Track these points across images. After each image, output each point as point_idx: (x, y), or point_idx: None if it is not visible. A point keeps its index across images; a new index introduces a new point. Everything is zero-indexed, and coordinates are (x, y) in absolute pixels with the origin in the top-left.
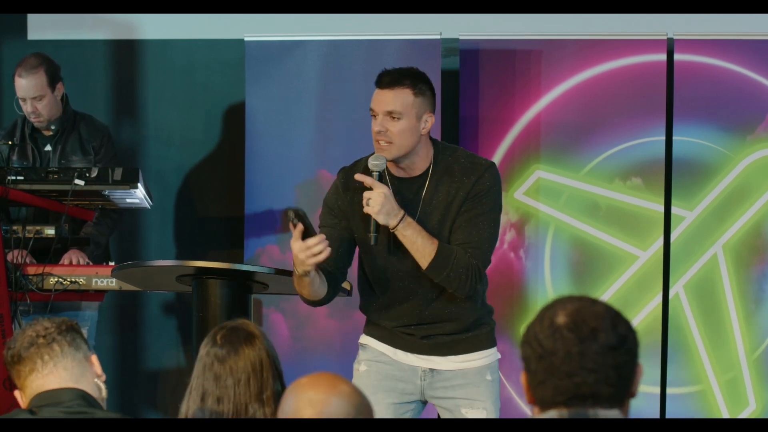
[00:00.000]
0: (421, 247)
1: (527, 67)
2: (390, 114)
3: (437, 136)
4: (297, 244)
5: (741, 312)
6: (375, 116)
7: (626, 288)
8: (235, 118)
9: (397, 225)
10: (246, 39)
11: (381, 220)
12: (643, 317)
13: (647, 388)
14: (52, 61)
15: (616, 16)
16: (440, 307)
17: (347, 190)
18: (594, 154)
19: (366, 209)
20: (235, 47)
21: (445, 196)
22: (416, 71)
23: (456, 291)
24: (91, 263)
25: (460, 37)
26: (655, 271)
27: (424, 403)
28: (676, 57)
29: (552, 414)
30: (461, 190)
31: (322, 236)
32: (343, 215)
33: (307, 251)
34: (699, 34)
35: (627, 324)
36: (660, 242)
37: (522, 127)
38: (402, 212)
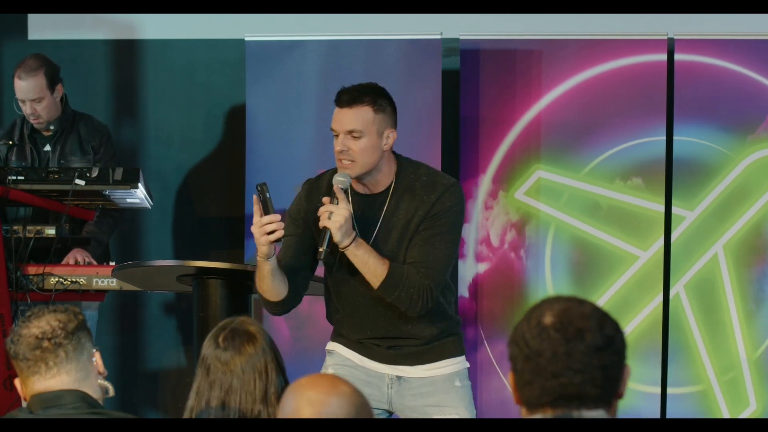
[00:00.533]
0: (372, 268)
1: (528, 67)
2: (351, 133)
3: (438, 137)
4: (256, 218)
5: (741, 312)
6: (336, 135)
7: (627, 288)
8: (235, 118)
9: (349, 245)
10: (246, 39)
11: (337, 238)
12: (643, 317)
13: (647, 388)
14: (51, 63)
15: (617, 16)
16: (402, 324)
17: (311, 201)
18: (594, 154)
19: (325, 222)
20: (235, 47)
21: (405, 213)
22: (376, 87)
23: (407, 310)
24: (94, 262)
25: (461, 37)
26: (656, 271)
27: (390, 414)
28: (677, 57)
29: (538, 415)
30: (420, 209)
31: (278, 216)
32: (307, 225)
33: (260, 228)
34: (699, 34)
35: (614, 325)
36: (660, 242)
37: (522, 127)
38: (354, 233)
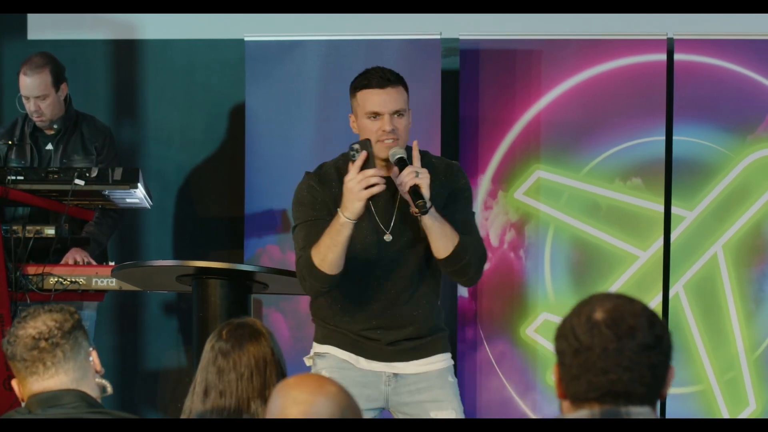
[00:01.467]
0: (450, 231)
1: (527, 67)
2: (396, 112)
3: (437, 137)
4: (354, 173)
5: (741, 312)
6: (379, 116)
7: (626, 288)
8: (235, 118)
9: (430, 209)
10: (246, 39)
11: (427, 193)
12: None
13: None
14: (57, 61)
15: (617, 16)
16: (408, 309)
17: (326, 188)
18: (594, 154)
19: (413, 180)
20: (235, 47)
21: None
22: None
23: (469, 280)
24: (93, 262)
25: (460, 37)
26: (655, 271)
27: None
28: (676, 57)
29: (584, 411)
30: (444, 187)
31: (380, 170)
32: (326, 207)
33: (362, 181)
34: (699, 34)
35: (663, 325)
36: (660, 242)
37: (522, 127)
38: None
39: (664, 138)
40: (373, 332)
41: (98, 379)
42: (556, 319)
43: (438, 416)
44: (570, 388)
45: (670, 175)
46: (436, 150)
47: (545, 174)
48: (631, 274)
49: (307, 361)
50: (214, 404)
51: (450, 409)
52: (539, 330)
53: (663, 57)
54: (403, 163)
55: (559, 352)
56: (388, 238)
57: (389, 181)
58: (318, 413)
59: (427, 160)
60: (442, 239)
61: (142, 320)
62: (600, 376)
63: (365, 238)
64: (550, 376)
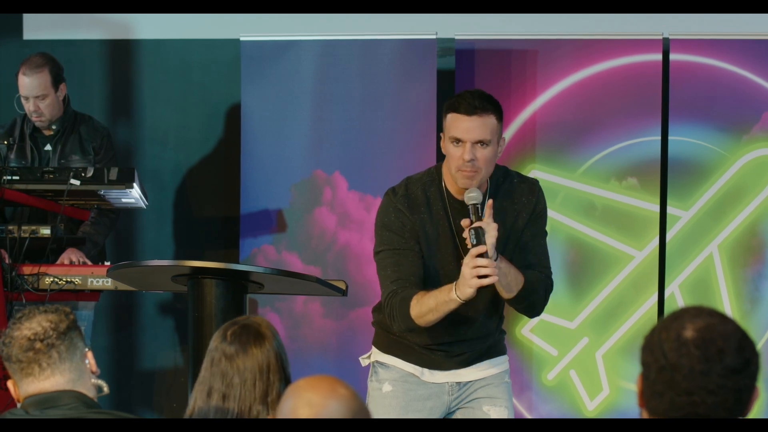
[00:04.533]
0: (514, 277)
1: (523, 66)
2: (479, 142)
3: (433, 137)
4: (469, 259)
5: (737, 312)
6: (461, 143)
7: (622, 288)
8: (230, 117)
9: (497, 257)
10: (241, 39)
11: (491, 253)
12: (638, 317)
13: None
14: (56, 61)
15: (612, 16)
16: (480, 326)
17: (413, 210)
18: (590, 153)
19: (489, 237)
20: (230, 47)
21: (509, 217)
22: (489, 95)
23: (536, 313)
24: (89, 262)
25: (456, 37)
26: (651, 271)
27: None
28: (672, 57)
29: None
30: (524, 211)
31: (493, 261)
32: (414, 236)
33: (476, 270)
34: (694, 34)
35: (753, 346)
36: (656, 242)
37: (518, 127)
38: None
39: (659, 138)
40: (439, 347)
41: (94, 380)
42: (552, 319)
43: (491, 411)
44: (651, 401)
45: (666, 175)
46: (431, 150)
47: (541, 174)
48: (627, 273)
49: (363, 362)
50: (217, 406)
51: (503, 407)
52: (534, 330)
53: (659, 57)
54: (476, 211)
55: (644, 364)
56: None
57: (461, 210)
58: (329, 416)
59: (509, 181)
60: (506, 285)
61: (138, 320)
62: (684, 396)
63: (446, 265)
64: (545, 376)
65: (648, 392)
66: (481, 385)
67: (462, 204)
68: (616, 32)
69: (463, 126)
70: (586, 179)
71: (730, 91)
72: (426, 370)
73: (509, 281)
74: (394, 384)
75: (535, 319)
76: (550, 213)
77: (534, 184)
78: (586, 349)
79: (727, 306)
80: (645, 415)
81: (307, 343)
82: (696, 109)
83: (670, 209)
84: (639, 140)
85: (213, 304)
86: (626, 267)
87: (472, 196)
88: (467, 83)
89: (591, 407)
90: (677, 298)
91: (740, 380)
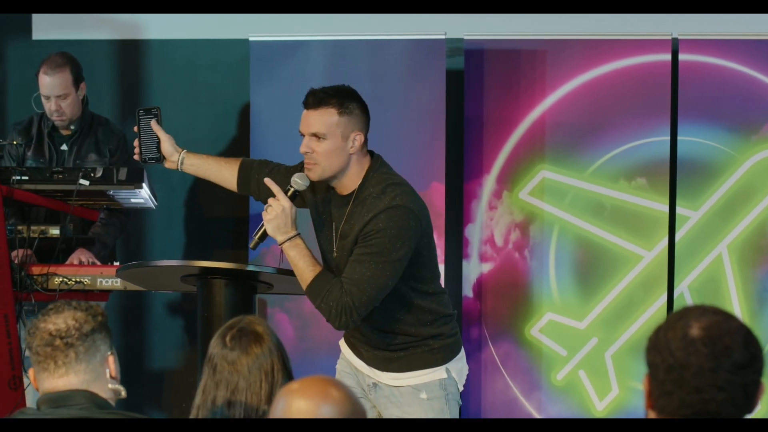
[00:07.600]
0: (300, 271)
1: (532, 67)
2: (314, 135)
3: (442, 137)
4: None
5: (746, 312)
6: (303, 137)
7: (631, 288)
8: (239, 118)
9: (284, 242)
10: (250, 39)
11: (268, 231)
12: (648, 317)
13: None
14: (76, 61)
15: (621, 16)
16: (366, 331)
17: (315, 195)
18: (599, 154)
19: (263, 213)
20: (239, 47)
21: (356, 223)
22: (344, 89)
23: (329, 322)
24: (98, 263)
25: (465, 37)
26: (660, 271)
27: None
28: (681, 57)
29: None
30: (360, 224)
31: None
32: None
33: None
34: (704, 34)
35: (757, 342)
36: (665, 242)
37: (527, 127)
38: (293, 233)
39: (668, 138)
40: (353, 338)
41: (111, 384)
42: (561, 319)
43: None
44: (660, 401)
45: (675, 175)
46: (440, 150)
47: (550, 174)
48: (636, 274)
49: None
50: (222, 414)
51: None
52: (544, 330)
53: (668, 57)
54: (292, 194)
55: (651, 364)
56: (334, 254)
57: (335, 201)
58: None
59: (376, 194)
60: (297, 276)
61: (147, 320)
62: (693, 394)
63: (324, 247)
64: (554, 376)
65: (656, 392)
66: (398, 402)
67: (337, 195)
68: (625, 32)
69: (302, 119)
70: (595, 179)
71: (740, 91)
72: (354, 356)
73: (298, 271)
74: (340, 363)
75: (545, 320)
76: (559, 213)
77: (382, 203)
78: (595, 350)
79: (737, 306)
80: (652, 416)
81: (316, 343)
82: (705, 109)
83: (679, 209)
84: (648, 140)
85: (222, 305)
86: (635, 267)
87: (295, 180)
88: (476, 83)
89: (600, 407)
90: (686, 298)
91: (747, 375)
